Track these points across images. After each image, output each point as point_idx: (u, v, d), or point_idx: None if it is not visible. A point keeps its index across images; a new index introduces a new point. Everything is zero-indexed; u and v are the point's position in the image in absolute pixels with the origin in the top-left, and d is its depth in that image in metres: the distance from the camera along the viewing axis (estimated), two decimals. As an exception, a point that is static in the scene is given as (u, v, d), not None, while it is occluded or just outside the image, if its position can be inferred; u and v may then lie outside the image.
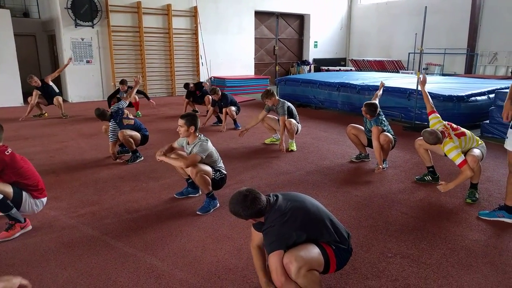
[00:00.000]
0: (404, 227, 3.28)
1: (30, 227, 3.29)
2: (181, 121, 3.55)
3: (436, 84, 8.13)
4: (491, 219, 3.37)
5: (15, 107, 9.78)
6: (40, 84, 8.06)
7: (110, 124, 5.14)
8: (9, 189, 3.06)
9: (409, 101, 7.26)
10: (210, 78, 12.69)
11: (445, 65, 13.11)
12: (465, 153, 3.68)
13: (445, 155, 4.06)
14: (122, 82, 8.27)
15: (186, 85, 8.62)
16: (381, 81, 6.06)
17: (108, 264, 2.77)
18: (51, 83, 8.26)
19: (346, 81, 8.82)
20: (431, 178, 4.31)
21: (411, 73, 12.51)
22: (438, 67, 13.24)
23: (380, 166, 4.69)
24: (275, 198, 2.20)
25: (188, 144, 3.67)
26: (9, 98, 9.89)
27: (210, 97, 8.04)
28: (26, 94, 9.79)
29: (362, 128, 5.05)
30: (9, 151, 3.11)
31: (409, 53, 13.68)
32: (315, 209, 2.22)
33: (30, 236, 3.16)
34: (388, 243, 3.01)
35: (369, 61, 14.71)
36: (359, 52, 16.12)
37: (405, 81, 8.69)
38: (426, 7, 6.75)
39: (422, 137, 4.01)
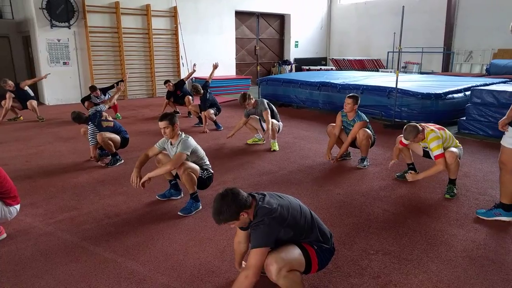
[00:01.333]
0: (386, 224, 3.32)
1: (4, 235, 3.18)
2: (163, 123, 3.48)
3: (414, 82, 8.28)
4: (490, 218, 3.32)
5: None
6: (15, 88, 7.83)
7: (89, 127, 5.03)
8: None
9: (389, 99, 7.36)
10: (192, 79, 12.57)
11: (423, 63, 13.37)
12: (444, 150, 3.76)
13: (423, 155, 4.15)
14: (92, 88, 8.02)
15: (166, 82, 8.50)
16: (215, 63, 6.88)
17: (88, 270, 2.70)
18: (26, 88, 8.04)
19: (327, 80, 8.89)
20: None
21: (391, 72, 12.71)
22: (416, 65, 13.49)
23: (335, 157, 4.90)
24: (262, 195, 2.19)
25: (171, 144, 3.61)
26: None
27: (190, 97, 7.99)
28: None
29: (342, 127, 5.07)
30: None
31: (388, 52, 13.90)
32: (299, 208, 2.23)
33: (4, 245, 3.06)
34: (370, 240, 3.03)
35: (349, 60, 14.87)
36: (340, 51, 16.28)
37: (385, 79, 8.82)
38: (403, 6, 6.86)
39: (402, 135, 4.07)
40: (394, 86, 7.06)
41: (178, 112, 8.69)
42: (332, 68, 15.13)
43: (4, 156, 5.53)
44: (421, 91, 7.05)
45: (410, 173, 3.99)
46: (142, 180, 3.43)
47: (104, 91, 8.18)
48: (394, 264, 2.71)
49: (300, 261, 2.12)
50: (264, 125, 5.71)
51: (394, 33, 12.73)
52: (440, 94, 6.97)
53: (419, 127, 3.77)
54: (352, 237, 3.09)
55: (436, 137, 3.73)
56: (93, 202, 3.91)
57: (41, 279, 2.60)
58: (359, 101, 4.76)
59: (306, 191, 4.12)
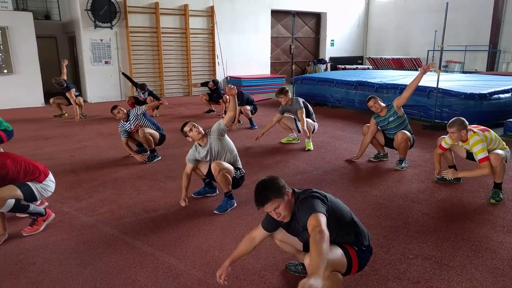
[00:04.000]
0: (425, 228, 3.21)
1: (53, 216, 3.37)
2: (188, 126, 3.58)
3: (456, 82, 7.94)
4: None
5: (36, 108, 10.01)
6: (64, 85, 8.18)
7: (121, 123, 5.19)
8: (16, 191, 3.02)
9: (429, 100, 7.10)
10: (226, 78, 12.72)
11: (466, 62, 12.79)
12: (488, 152, 3.59)
13: (467, 157, 3.98)
14: (142, 86, 8.39)
15: (205, 84, 8.77)
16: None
17: (127, 263, 2.79)
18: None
19: (364, 80, 8.71)
20: (452, 178, 4.20)
21: (431, 71, 12.24)
22: (458, 64, 12.93)
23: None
24: (299, 189, 2.19)
25: (200, 146, 3.66)
26: (30, 99, 10.13)
27: (227, 97, 8.08)
28: (47, 94, 10.02)
29: (378, 127, 4.95)
30: None
31: (428, 51, 13.40)
32: (341, 204, 2.21)
33: (51, 235, 3.22)
34: (409, 244, 2.94)
35: (386, 59, 14.47)
36: (377, 50, 15.89)
37: (424, 78, 8.45)
38: (447, 3, 6.59)
39: (444, 136, 3.93)
40: (435, 85, 6.80)
41: (213, 111, 8.82)
42: (368, 67, 14.80)
43: (51, 150, 5.82)
44: (464, 91, 6.76)
45: (449, 170, 3.86)
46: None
47: (151, 93, 8.51)
48: (435, 269, 2.61)
49: (342, 262, 2.09)
50: (299, 124, 5.66)
51: (435, 30, 12.27)
52: (485, 94, 6.65)
53: (467, 124, 3.63)
54: (390, 240, 3.01)
55: (479, 140, 3.56)
56: (132, 196, 4.04)
57: (85, 269, 2.72)
58: (379, 98, 4.76)
59: (341, 191, 4.05)
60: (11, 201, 2.97)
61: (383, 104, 4.73)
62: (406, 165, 4.78)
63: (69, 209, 3.70)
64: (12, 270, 2.70)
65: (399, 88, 7.65)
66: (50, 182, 3.32)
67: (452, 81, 8.03)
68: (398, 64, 14.08)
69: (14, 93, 9.79)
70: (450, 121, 3.73)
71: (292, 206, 2.11)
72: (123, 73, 9.41)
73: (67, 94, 8.07)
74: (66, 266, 2.76)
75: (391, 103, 4.71)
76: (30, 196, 3.12)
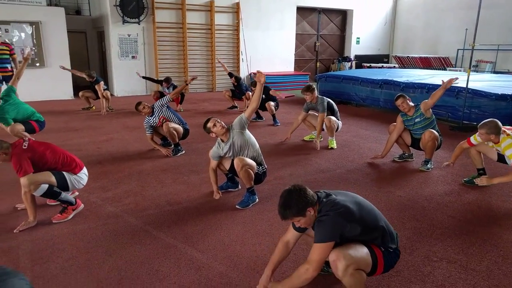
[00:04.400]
0: (451, 231, 3.13)
1: (82, 206, 3.50)
2: (212, 122, 3.60)
3: (487, 82, 7.70)
4: None
5: (65, 100, 10.32)
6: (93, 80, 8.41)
7: (146, 119, 5.28)
8: (51, 178, 3.20)
9: (457, 100, 6.91)
10: (250, 74, 12.74)
11: (498, 62, 12.35)
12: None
13: (498, 160, 3.86)
14: (167, 80, 8.49)
15: (231, 74, 8.84)
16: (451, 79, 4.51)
17: (151, 253, 2.86)
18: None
19: (390, 78, 8.55)
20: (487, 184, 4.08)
21: (460, 71, 11.91)
22: (489, 64, 12.50)
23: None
24: (325, 192, 2.16)
25: (223, 142, 3.68)
26: (60, 92, 10.45)
27: (250, 93, 8.09)
28: (76, 88, 10.31)
29: (404, 127, 4.85)
30: (26, 145, 3.17)
31: (457, 49, 13.03)
32: (369, 206, 2.18)
33: (78, 223, 3.33)
34: (434, 247, 2.88)
35: (413, 58, 14.15)
36: (404, 48, 15.55)
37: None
38: (480, 0, 6.37)
39: (477, 134, 3.80)
40: (464, 85, 6.61)
41: (236, 107, 8.86)
42: (394, 66, 14.52)
43: (79, 142, 6.00)
44: (495, 92, 6.54)
45: (483, 177, 3.73)
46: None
47: (174, 86, 8.62)
48: (460, 274, 2.55)
49: (367, 261, 2.07)
50: (326, 121, 5.59)
51: (466, 29, 11.94)
52: (517, 95, 6.40)
53: (500, 128, 3.52)
54: (414, 242, 2.96)
55: None
56: (156, 189, 4.12)
57: (110, 257, 2.80)
58: (408, 97, 4.63)
59: (364, 191, 4.01)
60: (45, 186, 3.14)
61: (411, 104, 4.63)
62: (432, 166, 4.68)
63: (96, 199, 3.81)
64: (43, 255, 2.81)
65: (426, 88, 7.48)
66: (84, 175, 3.50)
67: (482, 81, 7.79)
68: (426, 63, 13.75)
69: (45, 86, 10.11)
70: (483, 121, 3.61)
71: (314, 219, 2.10)
72: (143, 77, 9.37)
73: (96, 86, 8.28)
74: (93, 253, 2.85)
75: (419, 104, 4.61)
76: (63, 185, 3.29)
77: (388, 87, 8.39)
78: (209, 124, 3.62)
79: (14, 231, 3.14)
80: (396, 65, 14.60)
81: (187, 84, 5.97)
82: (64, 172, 3.30)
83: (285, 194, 2.06)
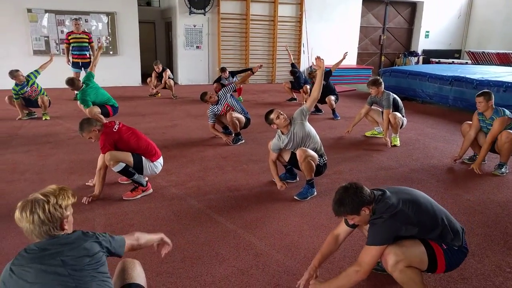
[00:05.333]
0: (527, 242, 2.90)
1: (151, 190, 3.71)
2: (275, 114, 3.62)
3: None
4: None
5: (134, 87, 10.94)
6: (160, 70, 8.87)
7: (211, 107, 5.44)
8: (129, 158, 3.48)
9: (541, 101, 6.30)
10: (310, 67, 12.58)
11: None
12: None
13: None
14: (223, 69, 8.64)
15: (293, 65, 8.85)
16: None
17: (212, 236, 2.97)
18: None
19: (462, 75, 8.00)
20: None
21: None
22: None
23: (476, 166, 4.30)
24: (381, 192, 2.09)
25: (283, 134, 3.69)
26: (130, 78, 11.09)
27: (308, 86, 8.01)
28: (144, 75, 10.88)
29: (479, 126, 4.53)
30: (116, 128, 3.51)
31: (542, 46, 11.83)
32: (428, 204, 2.08)
33: (145, 202, 3.54)
34: (507, 257, 2.69)
35: (489, 53, 13.07)
36: (479, 43, 14.41)
37: (537, 77, 7.55)
38: None
39: None
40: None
41: (295, 99, 8.83)
42: (467, 62, 13.53)
43: (146, 126, 6.35)
44: None
45: None
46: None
47: (233, 74, 8.74)
48: (537, 288, 2.36)
49: (421, 259, 2.01)
50: (390, 119, 5.38)
51: (555, 23, 10.78)
52: None
53: None
54: (484, 250, 2.78)
55: None
56: (217, 175, 4.26)
57: (174, 237, 2.94)
58: (492, 97, 4.18)
59: (429, 192, 3.79)
60: (122, 164, 3.43)
61: (492, 105, 4.24)
62: (507, 171, 4.33)
63: (161, 181, 4.03)
64: (115, 229, 3.04)
65: (503, 86, 6.90)
66: (159, 164, 3.76)
67: None
68: (504, 60, 12.64)
69: (117, 73, 10.78)
70: None
71: (369, 218, 2.06)
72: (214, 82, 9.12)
73: (163, 73, 8.73)
74: (158, 231, 2.99)
75: (499, 109, 4.20)
76: (139, 167, 3.55)
77: (459, 84, 7.85)
78: (272, 116, 3.65)
79: (82, 200, 3.43)
80: (469, 61, 13.60)
81: (253, 73, 6.02)
82: (143, 157, 3.58)
83: (341, 191, 2.03)
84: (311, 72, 7.32)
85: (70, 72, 8.31)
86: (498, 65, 12.15)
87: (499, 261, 2.64)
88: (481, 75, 7.89)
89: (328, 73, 7.31)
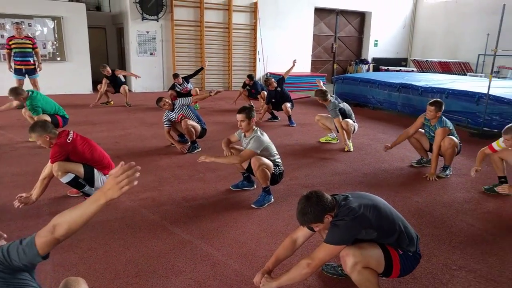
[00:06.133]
0: (471, 239, 3.08)
1: None
2: (240, 116, 3.57)
3: (509, 89, 7.52)
4: None
5: (85, 94, 10.49)
6: (111, 73, 8.57)
7: (166, 113, 5.35)
8: (80, 169, 3.33)
9: (478, 106, 6.78)
10: (266, 74, 12.73)
11: (520, 69, 12.09)
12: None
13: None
14: (175, 76, 8.54)
15: (250, 76, 8.69)
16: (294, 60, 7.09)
17: (167, 248, 2.88)
18: (119, 75, 8.81)
19: (408, 82, 8.45)
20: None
21: (480, 76, 11.69)
22: (511, 71, 12.25)
23: (432, 176, 4.46)
24: (344, 196, 2.15)
25: (245, 137, 3.71)
26: (80, 86, 10.62)
27: (265, 92, 8.09)
28: (95, 82, 10.47)
29: (423, 132, 4.79)
30: (70, 139, 3.34)
31: (478, 55, 12.79)
32: (388, 210, 2.16)
33: (97, 216, 3.35)
34: (452, 255, 2.84)
35: (432, 62, 13.94)
36: (423, 52, 15.34)
37: (474, 84, 8.14)
38: (504, 4, 6.25)
39: (502, 140, 3.72)
40: (485, 91, 6.49)
41: (252, 106, 8.83)
42: (413, 70, 14.33)
43: (97, 136, 6.08)
44: (517, 99, 6.39)
45: (505, 185, 3.64)
46: (202, 160, 3.49)
47: (187, 79, 8.63)
48: (480, 284, 2.51)
49: (378, 262, 2.08)
50: (343, 125, 5.56)
51: (488, 34, 11.71)
52: (540, 103, 6.26)
53: None
54: (432, 249, 2.92)
55: None
56: (172, 185, 4.16)
57: (128, 250, 2.83)
58: (443, 107, 4.41)
59: (381, 195, 3.88)
60: (71, 175, 3.28)
61: (438, 115, 4.46)
62: (451, 173, 4.60)
63: (114, 193, 3.86)
64: (63, 245, 2.83)
65: (445, 93, 7.36)
66: None
67: (504, 88, 7.61)
68: (445, 68, 13.53)
69: (66, 80, 10.29)
70: (508, 126, 3.52)
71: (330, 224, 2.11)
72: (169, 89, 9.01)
73: (115, 73, 8.68)
74: (111, 245, 2.89)
75: (443, 120, 4.43)
76: (90, 179, 3.41)
77: (406, 91, 8.29)
78: (253, 114, 3.60)
79: (14, 205, 3.24)
80: (415, 69, 14.41)
81: (210, 95, 5.88)
82: (95, 169, 3.43)
83: (303, 200, 2.06)
84: (268, 79, 7.40)
85: (12, 80, 7.80)
86: (440, 72, 12.97)
87: (446, 260, 2.78)
88: (425, 82, 8.36)
89: (281, 80, 7.44)
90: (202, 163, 4.80)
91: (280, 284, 2.17)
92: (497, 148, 3.81)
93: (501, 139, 3.76)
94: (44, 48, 9.90)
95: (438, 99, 4.54)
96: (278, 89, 7.33)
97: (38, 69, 8.08)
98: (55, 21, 9.95)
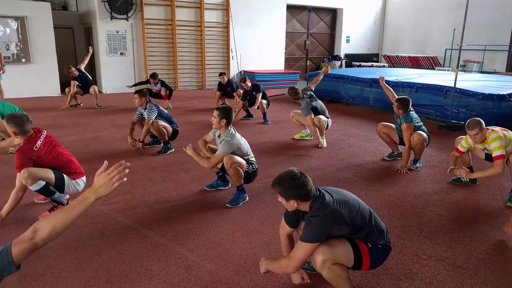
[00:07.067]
0: (439, 229, 3.17)
1: None
2: (215, 113, 3.58)
3: (474, 82, 7.80)
4: None
5: (53, 97, 10.15)
6: (77, 74, 8.29)
7: (147, 107, 5.17)
8: (50, 175, 3.20)
9: (446, 99, 6.99)
10: (240, 72, 12.71)
11: (485, 62, 12.55)
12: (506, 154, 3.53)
13: (485, 159, 3.91)
14: (153, 75, 8.41)
15: (221, 74, 8.62)
16: (326, 66, 6.35)
17: (140, 251, 2.83)
18: (85, 72, 8.53)
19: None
20: (468, 180, 4.14)
21: (448, 70, 12.06)
22: (477, 64, 12.70)
23: (403, 169, 4.56)
24: (319, 191, 2.16)
25: (219, 136, 3.69)
26: (47, 88, 10.27)
27: (241, 91, 8.06)
28: (63, 84, 10.14)
29: (393, 126, 4.91)
30: (38, 146, 3.17)
31: (446, 50, 13.19)
32: (357, 205, 2.18)
33: (66, 221, 3.27)
34: (422, 245, 2.91)
35: (403, 57, 14.27)
36: (393, 48, 15.68)
37: (441, 78, 8.39)
38: (468, 0, 6.45)
39: (462, 137, 3.87)
40: (452, 85, 6.69)
41: (252, 116, 8.76)
42: (384, 65, 14.62)
43: (66, 139, 5.89)
44: (482, 91, 6.63)
45: (463, 168, 3.78)
46: (191, 148, 3.60)
47: (162, 82, 8.56)
48: (448, 271, 2.58)
49: (347, 257, 2.11)
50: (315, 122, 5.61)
51: (454, 29, 12.08)
52: (503, 95, 6.51)
53: (483, 123, 3.56)
54: (403, 240, 2.99)
55: (498, 137, 3.51)
56: (145, 187, 4.08)
57: (99, 256, 2.76)
58: (407, 105, 4.48)
59: (354, 190, 4.02)
60: (42, 182, 3.13)
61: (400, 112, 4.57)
62: (421, 165, 4.73)
63: (84, 198, 3.75)
64: (29, 255, 2.75)
65: (415, 87, 7.55)
66: (82, 182, 3.49)
67: (470, 81, 7.89)
68: (415, 63, 13.88)
69: (32, 82, 9.93)
70: (469, 123, 3.61)
71: (305, 211, 2.16)
72: (133, 85, 9.01)
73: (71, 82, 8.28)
74: (81, 252, 2.81)
75: (409, 115, 4.49)
76: (60, 185, 3.27)
77: (377, 86, 8.41)
78: (213, 113, 3.58)
79: None
80: (386, 64, 14.72)
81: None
82: (64, 174, 3.31)
83: (290, 174, 2.08)
84: (244, 78, 7.37)
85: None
86: (410, 67, 13.30)
87: (416, 250, 2.85)
88: (396, 77, 8.55)
89: (256, 86, 7.49)
90: (175, 164, 4.78)
91: (267, 268, 2.24)
92: (463, 150, 3.91)
93: (464, 138, 3.88)
94: (8, 49, 9.52)
95: (404, 97, 4.64)
96: (254, 93, 7.33)
97: (1, 72, 7.76)
98: (19, 21, 9.56)
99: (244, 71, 12.74)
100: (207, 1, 11.69)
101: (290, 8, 13.88)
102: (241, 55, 12.64)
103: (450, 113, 6.80)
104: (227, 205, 3.61)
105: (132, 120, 5.34)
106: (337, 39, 15.68)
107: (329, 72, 6.42)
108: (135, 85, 9.03)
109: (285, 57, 14.23)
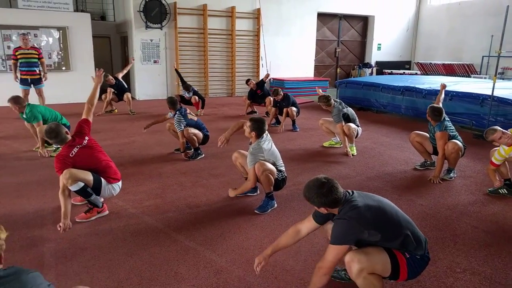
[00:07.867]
0: (475, 242, 3.05)
1: (106, 212, 3.56)
2: (248, 123, 3.62)
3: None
4: None
5: (89, 103, 10.55)
6: (114, 82, 8.64)
7: (175, 118, 5.32)
8: (89, 177, 3.31)
9: (482, 108, 6.75)
10: (270, 80, 12.77)
11: (525, 69, 12.01)
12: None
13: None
14: (186, 87, 8.68)
15: (248, 80, 8.80)
16: (442, 83, 5.41)
17: (170, 255, 2.89)
18: (121, 80, 8.89)
19: (412, 85, 8.42)
20: (506, 191, 3.97)
21: (485, 78, 11.63)
22: (516, 71, 12.17)
23: (436, 178, 4.41)
24: (351, 193, 2.15)
25: (250, 144, 3.73)
26: (85, 95, 10.57)
27: (271, 98, 8.09)
28: (100, 91, 10.53)
29: (427, 135, 4.78)
30: (74, 153, 3.31)
31: (482, 57, 12.73)
32: (394, 213, 2.14)
33: (101, 223, 3.40)
34: (457, 258, 2.82)
35: (436, 64, 13.90)
36: (426, 55, 15.30)
37: (478, 86, 8.10)
38: (508, 6, 6.23)
39: (496, 148, 3.74)
40: (490, 93, 6.45)
41: (255, 112, 8.89)
42: (416, 73, 14.28)
43: (101, 144, 6.03)
44: (521, 100, 6.35)
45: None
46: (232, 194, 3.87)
47: (194, 91, 8.82)
48: (485, 286, 2.48)
49: (384, 267, 2.07)
50: (345, 130, 5.55)
51: (492, 35, 11.68)
52: (545, 104, 6.21)
53: (498, 127, 3.49)
54: (436, 252, 2.90)
55: None
56: (176, 192, 4.17)
57: (131, 258, 2.84)
58: (439, 114, 4.34)
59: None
60: (81, 183, 3.25)
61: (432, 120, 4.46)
62: (455, 175, 4.57)
63: (117, 200, 3.89)
64: (66, 254, 2.88)
65: (449, 95, 7.33)
66: (117, 187, 3.61)
67: (508, 89, 7.57)
68: (449, 70, 13.48)
69: (71, 89, 10.37)
70: (485, 133, 3.56)
71: (330, 214, 2.16)
72: (176, 70, 9.73)
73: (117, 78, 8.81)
74: (114, 254, 2.90)
75: (443, 124, 4.38)
76: (97, 188, 3.39)
77: (409, 94, 8.27)
78: (247, 123, 3.63)
79: (59, 229, 3.10)
80: (418, 72, 14.37)
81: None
82: (102, 178, 3.43)
83: (317, 182, 2.08)
84: (276, 90, 7.42)
85: (18, 90, 7.90)
86: (444, 75, 12.92)
87: (450, 263, 2.76)
88: (429, 85, 8.34)
89: (260, 82, 8.04)
90: (205, 169, 4.86)
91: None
92: (498, 162, 3.79)
93: (500, 148, 3.74)
94: (50, 58, 10.03)
95: (436, 106, 4.48)
96: (284, 103, 7.36)
97: (43, 79, 8.19)
98: (61, 31, 10.07)
99: (274, 79, 12.80)
100: (238, 9, 11.88)
101: (321, 16, 13.85)
102: (271, 63, 12.71)
103: (487, 122, 6.55)
104: (255, 211, 3.63)
105: (164, 117, 5.58)
106: (368, 47, 15.48)
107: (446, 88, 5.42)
108: (177, 72, 9.46)
109: (314, 65, 14.19)
